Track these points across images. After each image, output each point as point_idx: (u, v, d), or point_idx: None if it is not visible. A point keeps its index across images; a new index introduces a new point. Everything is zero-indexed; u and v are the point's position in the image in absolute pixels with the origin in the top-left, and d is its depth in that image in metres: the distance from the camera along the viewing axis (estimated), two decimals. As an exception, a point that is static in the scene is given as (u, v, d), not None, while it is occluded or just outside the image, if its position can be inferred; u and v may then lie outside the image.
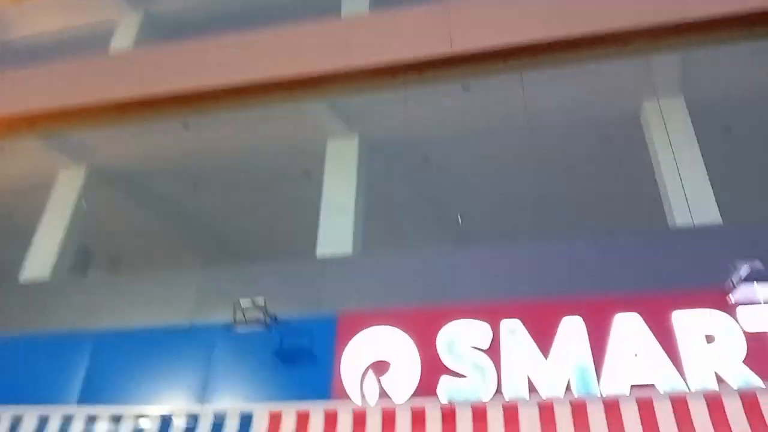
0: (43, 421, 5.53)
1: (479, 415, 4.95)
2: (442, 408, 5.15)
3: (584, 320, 6.35)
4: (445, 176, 10.08)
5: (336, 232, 8.30)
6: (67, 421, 5.52)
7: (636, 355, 6.08)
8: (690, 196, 7.54)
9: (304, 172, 9.85)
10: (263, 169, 10.03)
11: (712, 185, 7.68)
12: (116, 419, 5.44)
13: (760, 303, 6.08)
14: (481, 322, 6.56)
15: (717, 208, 7.47)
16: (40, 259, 8.84)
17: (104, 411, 5.56)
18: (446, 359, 6.42)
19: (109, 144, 9.60)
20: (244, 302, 6.94)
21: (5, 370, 7.17)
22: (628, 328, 6.22)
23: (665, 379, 5.83)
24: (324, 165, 9.00)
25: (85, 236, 10.00)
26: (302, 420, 5.14)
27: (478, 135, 9.33)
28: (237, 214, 11.13)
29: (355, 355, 6.61)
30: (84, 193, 9.62)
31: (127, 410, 5.58)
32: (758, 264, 5.98)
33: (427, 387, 6.20)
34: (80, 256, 10.62)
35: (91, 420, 5.48)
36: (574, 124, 9.01)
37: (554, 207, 10.34)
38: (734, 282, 6.07)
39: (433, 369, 6.35)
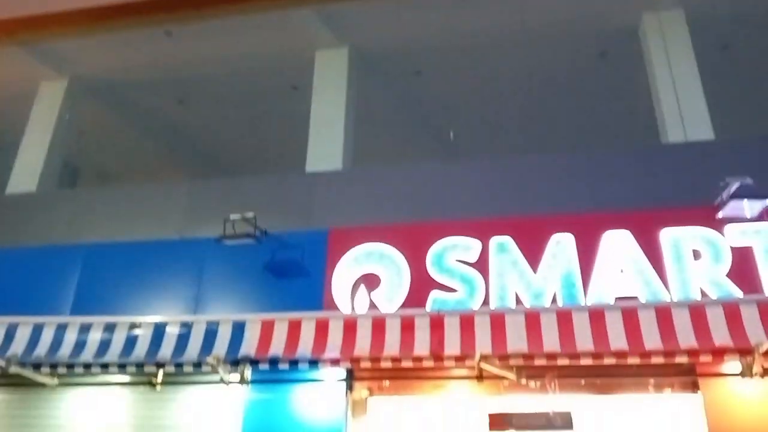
0: (37, 330, 5.59)
1: (466, 322, 5.05)
2: (430, 316, 5.24)
3: (574, 237, 6.41)
4: (437, 91, 9.87)
5: (325, 147, 8.18)
6: (61, 329, 5.59)
7: (622, 270, 6.18)
8: (684, 112, 7.45)
9: (293, 85, 9.60)
10: (250, 82, 9.75)
11: (707, 101, 7.57)
12: (110, 328, 5.52)
13: (748, 219, 6.14)
14: (471, 238, 6.61)
15: (711, 125, 7.40)
16: (25, 172, 8.72)
17: (98, 320, 5.62)
18: (436, 274, 6.50)
19: (90, 54, 9.25)
20: (234, 216, 6.92)
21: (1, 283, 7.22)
22: (617, 244, 6.29)
23: (651, 294, 5.96)
24: (312, 78, 8.75)
25: (71, 151, 9.83)
26: (294, 327, 5.24)
27: (472, 49, 9.06)
28: (224, 128, 10.91)
29: (346, 270, 6.68)
30: (66, 105, 9.37)
31: (121, 319, 5.64)
32: (748, 180, 5.99)
33: (416, 301, 6.31)
34: (67, 172, 10.49)
35: (85, 329, 5.56)
36: (571, 37, 8.74)
37: (548, 122, 10.22)
38: (723, 198, 6.10)
39: (423, 284, 6.45)
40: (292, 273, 6.83)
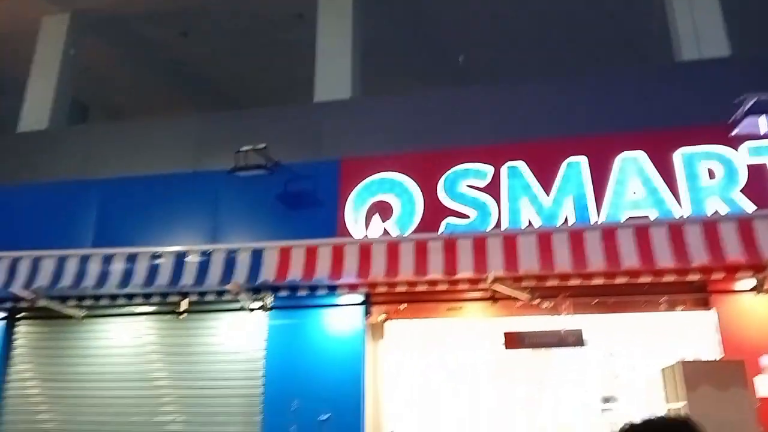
0: (61, 262, 5.74)
1: (479, 244, 5.11)
2: (443, 239, 5.30)
3: (588, 159, 6.38)
4: (445, 13, 9.58)
5: (333, 76, 8.04)
6: (84, 261, 5.73)
7: (635, 192, 6.18)
8: (699, 28, 7.24)
9: (298, 13, 9.35)
10: (254, 11, 9.52)
11: (723, 16, 7.32)
12: (132, 258, 5.65)
13: (763, 135, 6.07)
14: (483, 164, 6.60)
15: (726, 41, 7.18)
16: (35, 110, 8.68)
17: (119, 251, 5.75)
18: (448, 201, 6.54)
19: (91, -14, 9.05)
20: (245, 147, 6.93)
21: (21, 219, 7.35)
22: (630, 165, 6.26)
23: (664, 214, 5.96)
24: (317, 4, 8.52)
25: (80, 88, 9.75)
26: (311, 253, 5.34)
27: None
28: (230, 59, 10.73)
29: (359, 200, 6.73)
30: (70, 40, 9.23)
31: (142, 249, 5.77)
32: (764, 96, 5.89)
33: (429, 228, 6.34)
34: (77, 109, 10.44)
35: (108, 260, 5.70)
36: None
37: (560, 43, 9.94)
38: (739, 115, 6.01)
39: (435, 211, 6.49)
40: (306, 203, 6.90)
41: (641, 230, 5.08)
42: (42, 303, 6.57)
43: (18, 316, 7.16)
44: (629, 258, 5.02)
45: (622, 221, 5.81)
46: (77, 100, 10.07)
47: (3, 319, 7.06)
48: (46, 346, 7.08)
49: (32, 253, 5.93)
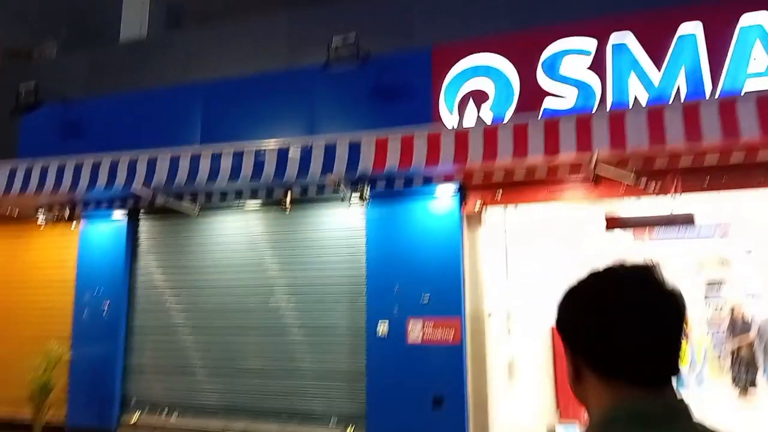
0: (174, 161, 6.09)
1: (583, 125, 4.87)
2: (544, 121, 5.08)
3: (703, 26, 5.81)
4: None
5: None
6: (194, 159, 6.04)
7: (755, 59, 5.61)
8: None
9: None
10: None
11: None
12: (237, 154, 5.89)
13: None
14: (586, 38, 6.18)
15: None
16: (133, 19, 8.95)
17: (226, 147, 6.00)
18: (548, 83, 6.23)
19: None
20: (336, 41, 6.87)
21: (134, 124, 7.80)
22: (754, 31, 5.65)
23: (790, 81, 5.43)
24: None
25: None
26: (407, 143, 5.32)
27: None
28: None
29: (452, 87, 6.56)
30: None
31: (247, 145, 5.99)
32: None
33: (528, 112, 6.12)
34: (170, 16, 10.66)
35: (216, 157, 5.97)
36: None
37: None
38: None
39: (533, 95, 6.22)
40: (399, 94, 6.83)
41: (763, 101, 4.63)
42: (160, 201, 7.08)
43: (140, 215, 7.77)
44: (750, 131, 4.63)
45: (742, 93, 5.33)
46: (169, 6, 10.25)
47: (126, 215, 7.68)
48: (166, 239, 7.69)
49: (148, 153, 6.30)
